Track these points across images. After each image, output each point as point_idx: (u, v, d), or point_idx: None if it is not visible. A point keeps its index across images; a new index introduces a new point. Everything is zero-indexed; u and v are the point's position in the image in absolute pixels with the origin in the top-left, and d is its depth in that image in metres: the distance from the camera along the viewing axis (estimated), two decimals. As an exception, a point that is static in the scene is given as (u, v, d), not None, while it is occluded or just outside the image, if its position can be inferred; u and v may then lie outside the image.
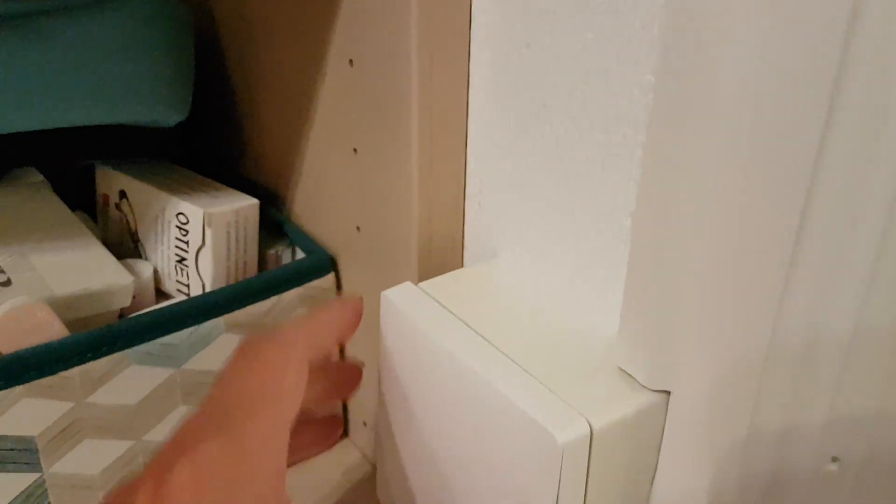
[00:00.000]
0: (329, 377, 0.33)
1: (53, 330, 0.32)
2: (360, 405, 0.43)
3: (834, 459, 0.21)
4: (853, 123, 0.18)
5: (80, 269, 0.36)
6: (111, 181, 0.42)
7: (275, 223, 0.42)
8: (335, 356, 0.36)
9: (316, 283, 0.39)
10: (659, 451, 0.26)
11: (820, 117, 0.18)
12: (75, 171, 0.43)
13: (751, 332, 0.22)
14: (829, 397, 0.20)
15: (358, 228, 0.37)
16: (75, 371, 0.33)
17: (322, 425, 0.34)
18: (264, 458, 0.24)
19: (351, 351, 0.42)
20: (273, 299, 0.37)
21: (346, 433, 0.45)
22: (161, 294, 0.41)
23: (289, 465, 0.30)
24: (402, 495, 0.32)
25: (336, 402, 0.34)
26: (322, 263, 0.39)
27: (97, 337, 0.33)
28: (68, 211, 0.39)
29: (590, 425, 0.24)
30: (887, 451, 0.20)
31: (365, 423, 0.43)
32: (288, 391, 0.25)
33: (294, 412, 0.25)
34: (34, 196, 0.39)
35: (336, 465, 0.43)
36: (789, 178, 0.19)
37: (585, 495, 0.25)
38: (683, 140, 0.21)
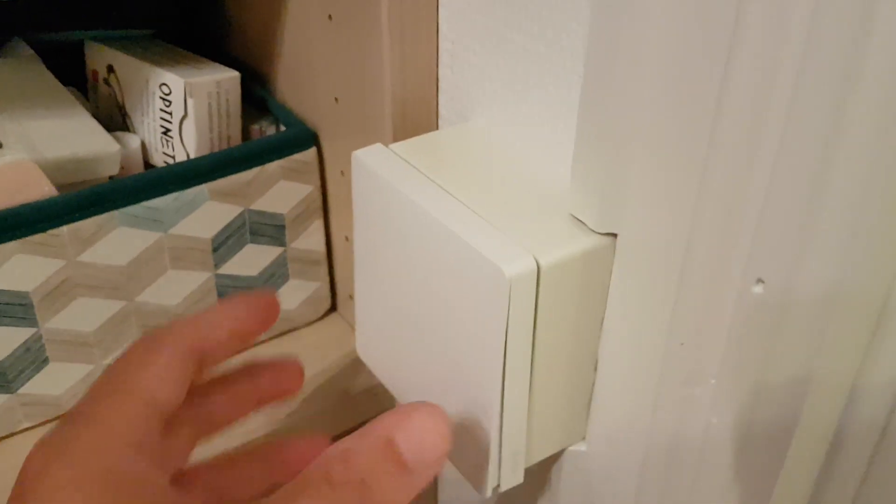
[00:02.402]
0: (244, 382, 0.30)
1: (43, 189, 0.34)
2: (347, 279, 0.45)
3: (759, 281, 0.22)
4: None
5: (69, 135, 0.37)
6: (100, 56, 0.42)
7: (259, 100, 0.43)
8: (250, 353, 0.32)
9: (298, 156, 0.40)
10: (607, 294, 0.27)
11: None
12: (65, 47, 0.44)
13: (683, 179, 0.23)
14: (752, 228, 0.21)
15: (336, 100, 0.38)
16: (64, 229, 0.34)
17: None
18: (112, 438, 0.23)
19: (336, 226, 0.43)
20: (256, 170, 0.39)
21: (334, 307, 0.47)
22: (150, 167, 0.42)
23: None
24: (376, 346, 0.34)
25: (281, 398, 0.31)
26: (304, 136, 0.40)
27: (84, 196, 0.34)
28: (58, 83, 0.40)
29: (537, 262, 0.25)
30: (809, 277, 0.21)
31: (351, 297, 0.44)
32: (152, 377, 0.25)
33: (163, 401, 0.25)
34: (25, 68, 0.40)
35: (324, 336, 0.45)
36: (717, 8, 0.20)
37: (534, 332, 0.26)
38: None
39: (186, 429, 0.27)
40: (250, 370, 0.31)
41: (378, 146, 0.32)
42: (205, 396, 0.29)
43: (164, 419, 0.25)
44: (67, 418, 0.24)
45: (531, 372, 0.27)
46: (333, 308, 0.47)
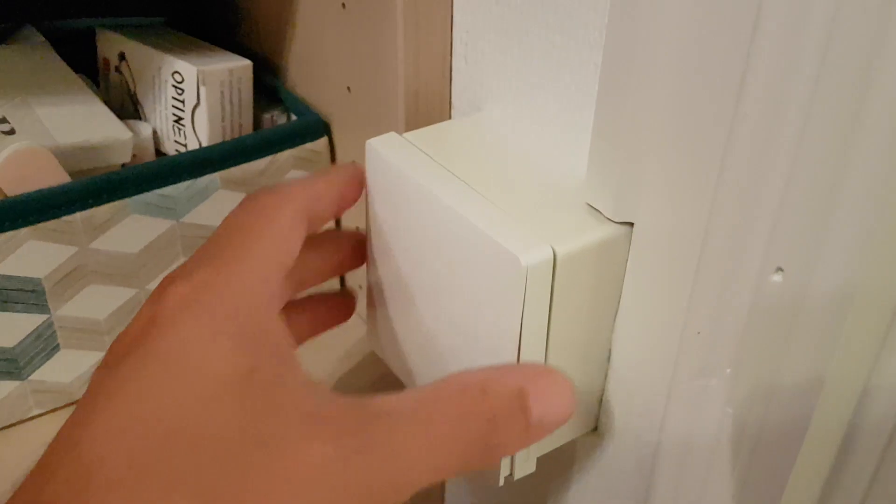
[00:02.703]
0: (331, 247, 0.33)
1: (56, 175, 0.34)
2: (357, 269, 0.44)
3: (778, 269, 0.22)
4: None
5: (81, 123, 0.37)
6: (111, 44, 0.42)
7: (270, 90, 0.43)
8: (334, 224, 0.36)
9: (310, 145, 0.40)
10: (622, 283, 0.27)
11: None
12: (76, 35, 0.44)
13: (701, 166, 0.22)
14: (771, 216, 0.21)
15: (349, 89, 0.38)
16: (77, 216, 0.34)
17: (334, 299, 0.34)
18: (254, 289, 0.24)
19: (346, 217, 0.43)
20: (268, 159, 0.39)
21: (342, 298, 0.47)
22: (161, 155, 0.42)
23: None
24: (388, 335, 0.34)
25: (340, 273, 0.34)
26: (316, 125, 0.40)
27: (98, 183, 0.34)
28: (70, 70, 0.40)
29: (553, 251, 0.25)
30: (828, 264, 0.21)
31: (361, 286, 0.44)
32: (281, 234, 0.26)
33: (288, 258, 0.26)
34: (36, 55, 0.40)
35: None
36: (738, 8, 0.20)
37: (549, 322, 0.26)
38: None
39: (289, 285, 0.28)
40: (330, 235, 0.33)
41: (392, 134, 0.32)
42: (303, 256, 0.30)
43: (284, 276, 0.25)
44: (201, 261, 0.24)
45: (545, 361, 0.27)
46: (342, 298, 0.47)
